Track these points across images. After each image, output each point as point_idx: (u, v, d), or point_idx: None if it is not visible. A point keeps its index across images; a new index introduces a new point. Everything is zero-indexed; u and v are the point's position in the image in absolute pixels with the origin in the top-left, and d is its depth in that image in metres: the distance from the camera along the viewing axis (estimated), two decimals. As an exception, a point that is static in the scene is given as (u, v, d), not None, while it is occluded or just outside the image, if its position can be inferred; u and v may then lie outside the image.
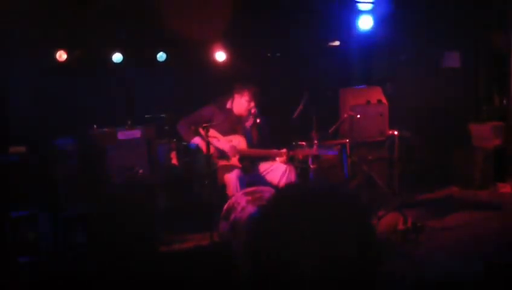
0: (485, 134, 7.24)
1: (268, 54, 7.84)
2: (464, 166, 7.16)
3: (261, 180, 5.34)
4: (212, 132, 5.29)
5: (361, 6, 6.98)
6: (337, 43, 7.91)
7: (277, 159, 5.32)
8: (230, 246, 4.19)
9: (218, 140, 5.41)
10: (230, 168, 5.24)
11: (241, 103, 5.50)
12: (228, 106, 5.60)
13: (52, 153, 5.47)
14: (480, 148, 7.14)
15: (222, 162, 5.37)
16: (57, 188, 5.25)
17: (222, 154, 5.41)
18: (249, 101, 5.46)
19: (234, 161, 5.38)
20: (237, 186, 5.02)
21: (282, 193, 1.38)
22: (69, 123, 5.94)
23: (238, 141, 5.43)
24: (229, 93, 5.64)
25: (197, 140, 5.35)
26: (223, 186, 5.21)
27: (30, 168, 5.34)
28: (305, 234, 1.20)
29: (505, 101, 7.60)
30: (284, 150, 5.29)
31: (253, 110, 5.47)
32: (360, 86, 7.09)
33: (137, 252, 4.62)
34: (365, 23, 7.03)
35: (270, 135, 5.70)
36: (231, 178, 5.10)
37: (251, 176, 5.36)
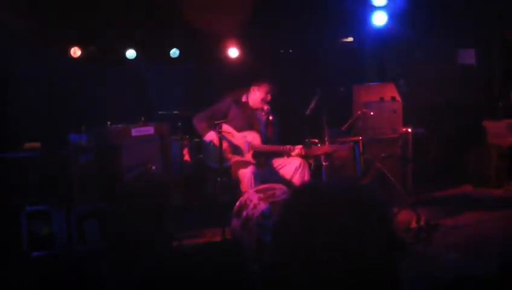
0: (500, 131, 7.15)
1: (281, 51, 7.83)
2: (478, 164, 7.08)
3: (274, 176, 5.34)
4: (227, 128, 5.31)
5: (375, 2, 6.92)
6: (350, 39, 7.87)
7: (292, 153, 5.30)
8: (242, 243, 4.19)
9: (233, 136, 5.43)
10: (244, 164, 5.25)
11: (257, 96, 5.52)
12: (243, 99, 5.61)
13: (67, 149, 5.52)
14: (495, 146, 7.06)
15: (236, 158, 5.39)
16: (71, 183, 5.30)
17: (236, 150, 5.43)
18: (265, 94, 5.48)
19: (248, 156, 5.39)
20: (252, 182, 5.03)
21: (304, 190, 1.35)
22: (83, 119, 5.98)
23: (253, 137, 5.45)
24: (245, 88, 5.65)
25: (211, 134, 5.35)
26: (237, 183, 5.21)
27: (44, 164, 5.39)
28: (330, 234, 1.19)
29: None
30: (300, 146, 5.27)
31: (265, 107, 5.47)
32: (373, 83, 7.04)
33: (149, 247, 4.64)
34: (379, 19, 6.97)
35: (279, 133, 5.70)
36: (246, 173, 5.11)
37: (265, 172, 5.36)
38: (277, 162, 5.48)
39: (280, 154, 5.49)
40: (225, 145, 5.29)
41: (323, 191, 1.27)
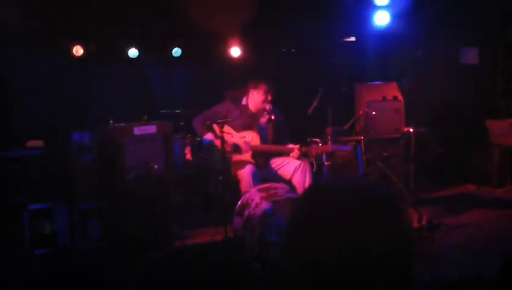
0: (503, 131, 7.14)
1: (284, 50, 7.82)
2: (480, 163, 7.07)
3: (273, 176, 5.33)
4: (226, 128, 5.30)
5: (377, 2, 6.92)
6: (353, 38, 7.86)
7: (290, 155, 5.32)
8: (244, 242, 4.19)
9: (232, 136, 5.43)
10: (243, 164, 5.24)
11: (257, 98, 5.51)
12: (243, 102, 5.61)
13: (70, 147, 5.53)
14: (498, 145, 7.05)
15: (235, 157, 5.38)
16: (74, 182, 5.30)
17: (236, 148, 5.43)
18: (266, 95, 5.47)
19: (247, 156, 5.38)
20: (250, 182, 5.02)
21: (318, 190, 1.33)
22: (86, 118, 5.98)
23: (252, 137, 5.44)
24: (244, 89, 5.65)
25: (209, 136, 5.38)
26: (237, 182, 5.21)
27: (47, 162, 5.40)
28: (344, 233, 1.17)
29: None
30: (297, 146, 5.27)
31: (267, 107, 5.47)
32: (375, 82, 7.03)
33: (151, 246, 4.65)
34: (381, 18, 6.96)
35: (285, 131, 5.69)
36: (244, 173, 5.11)
37: (264, 172, 5.36)
38: (276, 162, 5.47)
39: (279, 155, 5.48)
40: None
41: (337, 190, 1.25)
